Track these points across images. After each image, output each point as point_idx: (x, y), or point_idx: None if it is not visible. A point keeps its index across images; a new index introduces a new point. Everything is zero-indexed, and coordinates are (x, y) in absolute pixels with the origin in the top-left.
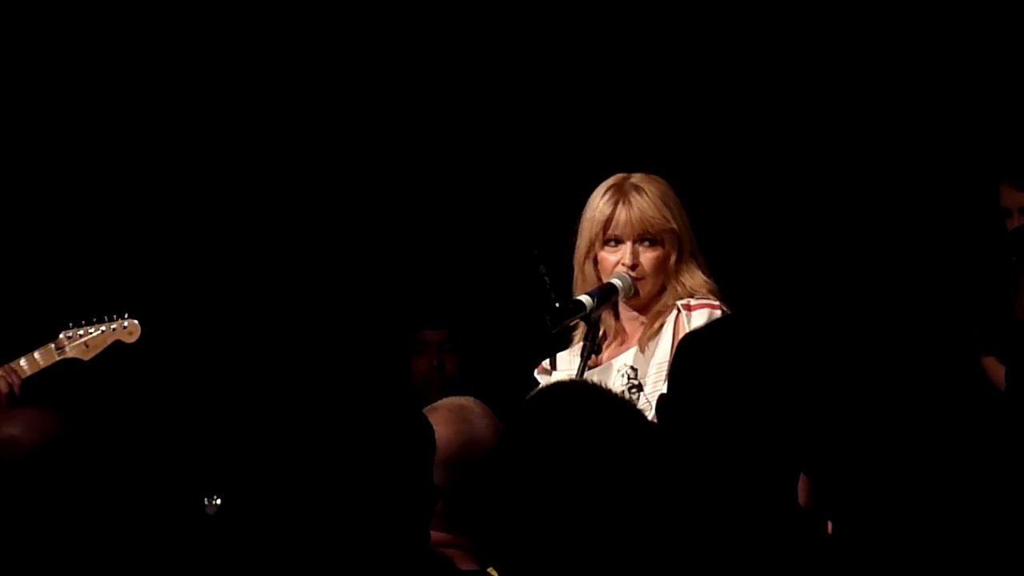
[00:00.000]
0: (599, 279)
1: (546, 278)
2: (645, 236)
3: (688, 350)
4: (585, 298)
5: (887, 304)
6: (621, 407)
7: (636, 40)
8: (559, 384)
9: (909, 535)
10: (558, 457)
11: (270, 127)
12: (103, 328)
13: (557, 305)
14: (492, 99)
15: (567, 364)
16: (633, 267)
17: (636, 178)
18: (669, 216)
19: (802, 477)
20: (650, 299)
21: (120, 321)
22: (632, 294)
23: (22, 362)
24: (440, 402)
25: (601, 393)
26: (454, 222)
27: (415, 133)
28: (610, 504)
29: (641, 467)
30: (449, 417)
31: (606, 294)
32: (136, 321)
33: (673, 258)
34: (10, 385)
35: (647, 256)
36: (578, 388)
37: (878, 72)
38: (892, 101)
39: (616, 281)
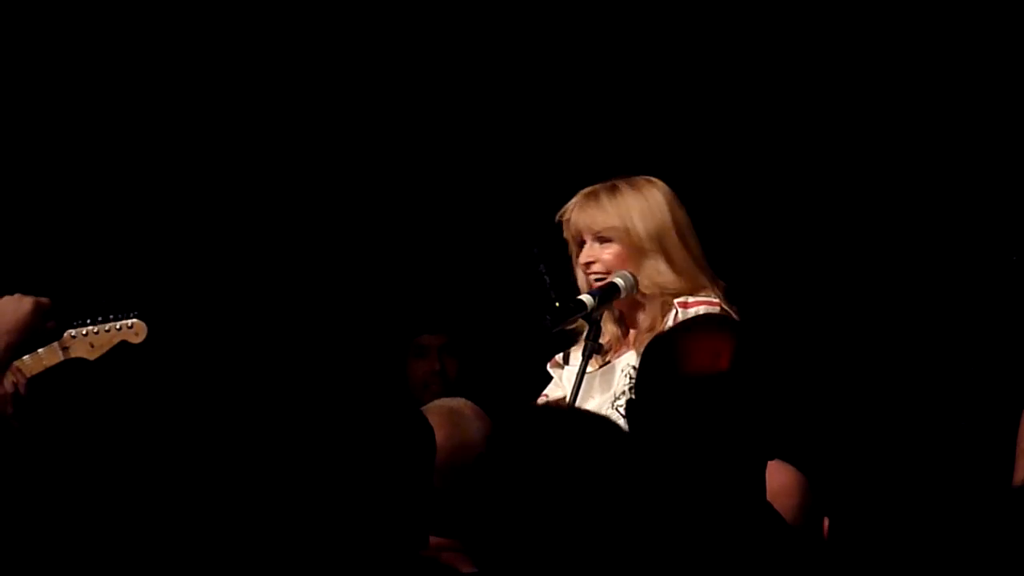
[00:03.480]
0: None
1: (546, 278)
2: (597, 235)
3: (653, 355)
4: (586, 297)
5: (880, 304)
6: (606, 429)
7: (636, 41)
8: (543, 408)
9: (906, 534)
10: (542, 479)
11: (269, 130)
12: (109, 327)
13: (557, 305)
14: (490, 99)
15: (578, 359)
16: (588, 266)
17: (618, 180)
18: (615, 213)
19: (798, 479)
20: (632, 299)
21: (126, 321)
22: (634, 293)
23: (27, 360)
24: (431, 404)
25: (585, 417)
26: (452, 223)
27: (413, 133)
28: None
29: (622, 484)
30: (440, 420)
31: (607, 294)
32: (143, 322)
33: (631, 255)
34: (15, 384)
35: (603, 254)
36: (561, 413)
37: (872, 76)
38: (888, 107)
39: (618, 280)
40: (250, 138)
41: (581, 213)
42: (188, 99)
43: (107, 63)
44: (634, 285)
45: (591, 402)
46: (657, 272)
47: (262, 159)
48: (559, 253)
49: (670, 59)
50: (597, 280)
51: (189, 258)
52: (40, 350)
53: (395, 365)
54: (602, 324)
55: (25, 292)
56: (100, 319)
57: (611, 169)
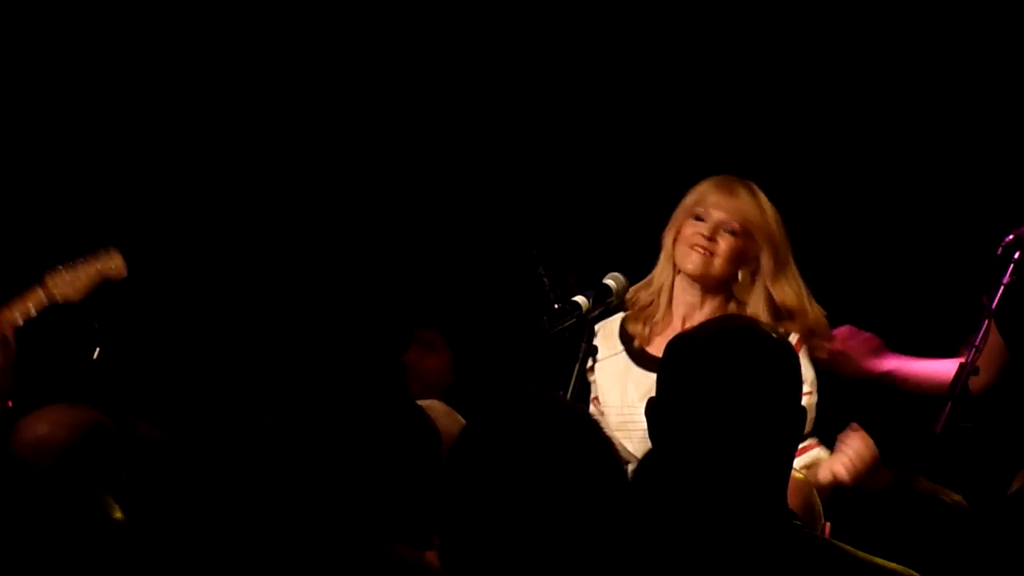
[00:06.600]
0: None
1: (545, 279)
2: (730, 226)
3: (677, 352)
4: (581, 299)
5: (879, 304)
6: (579, 421)
7: (635, 42)
8: (518, 397)
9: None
10: (510, 470)
11: (274, 130)
12: (87, 264)
13: (556, 306)
14: (492, 102)
15: (607, 349)
16: (700, 242)
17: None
18: (758, 213)
19: (799, 483)
20: (709, 289)
21: (102, 254)
22: (623, 297)
23: (12, 310)
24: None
25: (560, 407)
26: (462, 224)
27: (416, 135)
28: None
29: (596, 482)
30: None
31: (600, 294)
32: (119, 253)
33: (750, 271)
34: (3, 335)
35: (725, 240)
36: (536, 401)
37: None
38: (885, 121)
39: (609, 282)
40: (256, 139)
41: (727, 196)
42: (191, 100)
43: (106, 61)
44: (625, 287)
45: (629, 397)
46: (754, 302)
47: (267, 158)
48: (558, 255)
49: (669, 62)
50: (699, 253)
51: (192, 257)
52: (23, 297)
53: (398, 361)
54: (595, 328)
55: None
56: (78, 260)
57: (612, 171)
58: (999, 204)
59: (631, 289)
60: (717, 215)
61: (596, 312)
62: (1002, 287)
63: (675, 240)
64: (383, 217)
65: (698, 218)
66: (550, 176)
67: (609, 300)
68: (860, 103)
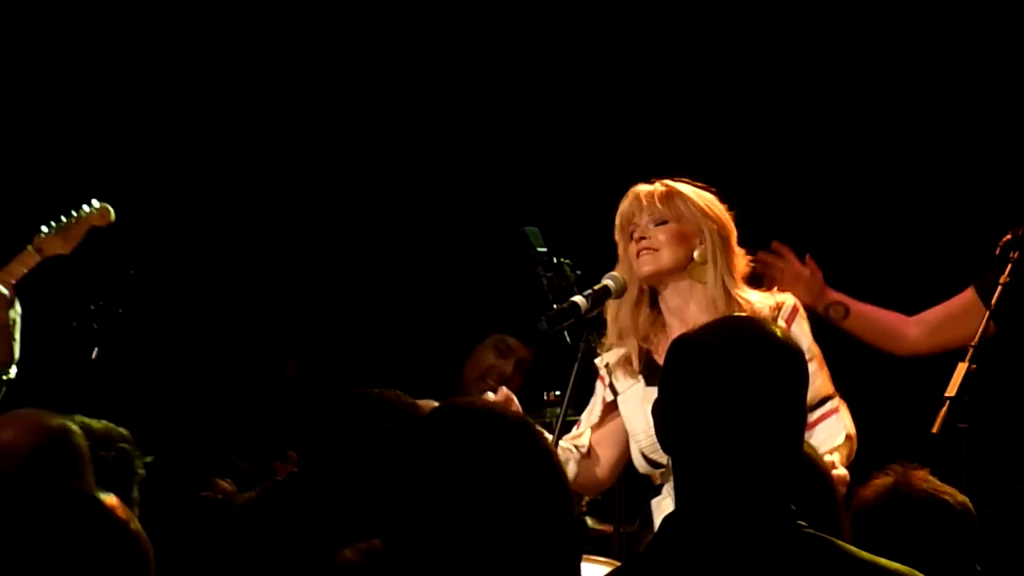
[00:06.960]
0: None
1: (544, 280)
2: (656, 219)
3: (678, 354)
4: (579, 299)
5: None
6: (520, 431)
7: (637, 46)
8: (454, 408)
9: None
10: (448, 482)
11: (273, 129)
12: (75, 217)
13: (554, 307)
14: (493, 100)
15: (625, 382)
16: (640, 244)
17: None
18: (679, 204)
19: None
20: (680, 282)
21: (87, 208)
22: (622, 295)
23: (6, 271)
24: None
25: (499, 418)
26: (461, 224)
27: (415, 133)
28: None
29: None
30: None
31: (599, 295)
32: (107, 204)
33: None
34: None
35: (660, 231)
36: (474, 412)
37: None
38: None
39: (608, 282)
40: (252, 137)
41: (638, 201)
42: (188, 99)
43: (105, 60)
44: (624, 287)
45: (649, 417)
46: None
47: (266, 156)
48: (557, 255)
49: (672, 63)
50: (646, 252)
51: (192, 256)
52: (15, 258)
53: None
54: (592, 328)
55: None
56: (64, 217)
57: (611, 171)
58: (997, 204)
59: (606, 343)
60: (639, 219)
61: (595, 312)
62: (1000, 287)
63: (627, 268)
64: (382, 217)
65: (631, 236)
66: (549, 176)
67: (608, 300)
68: (860, 104)
